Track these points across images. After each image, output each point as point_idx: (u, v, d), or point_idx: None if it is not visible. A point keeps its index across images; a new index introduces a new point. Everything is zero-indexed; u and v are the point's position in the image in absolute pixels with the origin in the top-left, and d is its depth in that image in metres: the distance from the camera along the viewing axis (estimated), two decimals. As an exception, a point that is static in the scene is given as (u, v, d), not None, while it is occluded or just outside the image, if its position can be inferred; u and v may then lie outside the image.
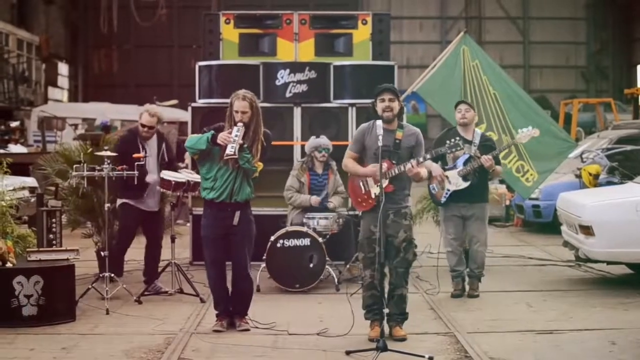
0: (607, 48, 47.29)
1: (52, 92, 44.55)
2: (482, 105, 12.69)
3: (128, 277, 12.06)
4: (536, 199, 16.92)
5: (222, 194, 9.01)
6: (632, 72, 46.12)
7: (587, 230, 11.16)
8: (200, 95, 13.53)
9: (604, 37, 47.21)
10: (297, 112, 13.25)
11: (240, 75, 13.18)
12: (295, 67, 13.39)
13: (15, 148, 26.05)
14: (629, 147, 17.57)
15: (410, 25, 46.89)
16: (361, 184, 8.87)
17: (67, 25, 47.07)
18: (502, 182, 16.45)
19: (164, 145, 11.26)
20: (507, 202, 19.00)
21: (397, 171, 8.60)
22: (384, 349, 7.95)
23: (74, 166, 10.74)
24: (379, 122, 8.67)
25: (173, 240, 11.00)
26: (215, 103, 12.98)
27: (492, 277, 11.91)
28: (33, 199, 12.58)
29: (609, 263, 11.78)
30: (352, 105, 13.16)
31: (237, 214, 9.07)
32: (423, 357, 7.96)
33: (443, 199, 11.03)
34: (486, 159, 10.73)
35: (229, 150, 8.77)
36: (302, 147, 12.64)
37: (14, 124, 34.33)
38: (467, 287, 11.03)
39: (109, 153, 10.55)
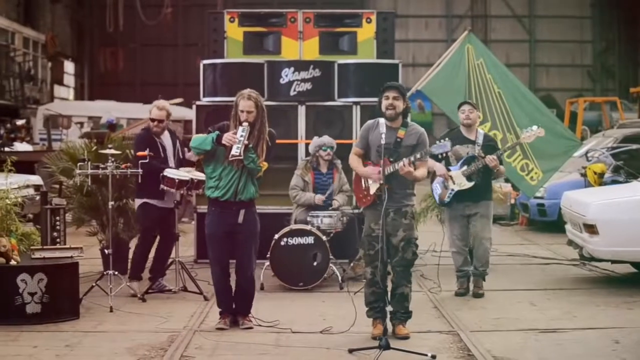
0: (613, 47, 47.23)
1: (58, 90, 44.60)
2: (487, 103, 12.68)
3: (132, 275, 12.09)
4: (541, 197, 16.91)
5: (226, 193, 9.01)
6: (638, 71, 46.06)
7: (591, 228, 11.15)
8: (204, 94, 13.54)
9: (610, 36, 47.14)
10: (302, 110, 13.25)
11: (245, 74, 13.20)
12: (300, 65, 13.39)
13: (21, 146, 26.06)
14: (634, 146, 17.59)
15: (416, 23, 46.91)
16: (363, 180, 8.89)
17: (73, 23, 47.12)
18: (507, 180, 16.45)
19: (177, 142, 11.31)
20: (512, 201, 18.99)
21: (391, 169, 8.58)
22: (387, 347, 7.94)
23: (78, 164, 10.75)
24: (382, 120, 8.66)
25: (177, 238, 11.02)
26: (220, 101, 13.00)
27: (496, 275, 11.90)
28: (38, 197, 12.58)
29: (613, 262, 11.77)
30: (356, 103, 13.15)
31: (242, 212, 9.07)
32: (426, 355, 7.96)
33: (447, 199, 11.02)
34: (491, 159, 10.70)
35: (234, 151, 8.76)
36: (307, 145, 12.64)
37: (20, 122, 34.35)
38: (471, 287, 11.01)
39: (113, 151, 10.56)
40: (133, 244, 12.45)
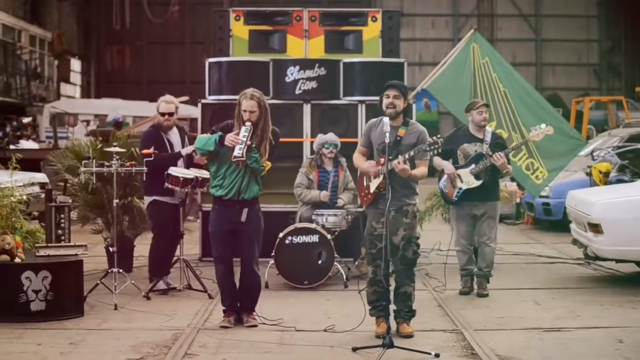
0: (619, 46, 47.15)
1: (65, 88, 44.66)
2: (492, 102, 12.66)
3: (137, 272, 12.10)
4: (546, 196, 16.89)
5: (229, 192, 9.02)
6: (645, 70, 46.05)
7: (596, 228, 11.14)
8: (210, 92, 13.55)
9: (616, 35, 47.06)
10: (307, 108, 13.26)
11: (250, 72, 13.21)
12: (305, 63, 13.40)
13: (27, 144, 26.16)
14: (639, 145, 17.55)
15: (423, 22, 46.85)
16: (364, 178, 8.90)
17: (80, 21, 47.18)
18: (512, 179, 16.44)
19: (186, 138, 11.32)
20: (518, 200, 18.98)
21: (388, 167, 8.56)
22: (390, 345, 7.94)
23: (83, 162, 10.76)
24: (386, 119, 8.65)
25: (182, 236, 11.03)
26: (225, 99, 13.00)
27: (501, 274, 11.90)
28: (43, 195, 12.60)
29: (617, 261, 11.76)
30: (361, 102, 13.16)
31: (245, 211, 9.07)
32: (429, 354, 7.97)
33: (455, 198, 11.00)
34: (497, 158, 10.68)
35: (237, 152, 8.77)
36: (312, 143, 12.64)
37: (26, 120, 34.43)
38: (475, 287, 11.00)
39: (118, 149, 10.58)
40: (138, 241, 12.51)
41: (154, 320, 9.41)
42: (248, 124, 8.85)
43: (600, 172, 15.79)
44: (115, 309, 9.88)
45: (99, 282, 10.46)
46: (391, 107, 8.69)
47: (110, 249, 10.81)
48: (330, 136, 12.11)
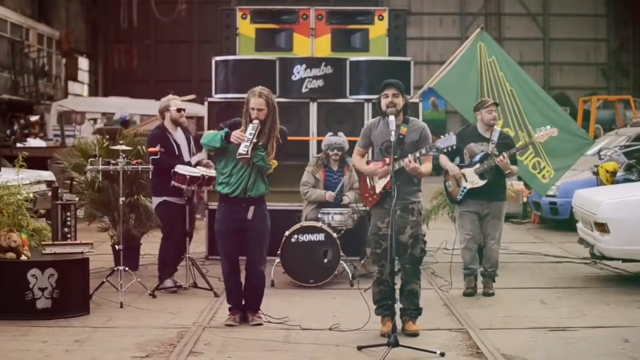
0: (627, 45, 47.03)
1: (72, 86, 44.68)
2: (499, 101, 12.64)
3: (143, 271, 12.13)
4: (553, 196, 16.87)
5: (236, 190, 9.02)
6: (653, 70, 45.95)
7: (602, 227, 11.13)
8: (216, 90, 13.56)
9: (624, 34, 46.95)
10: (313, 107, 13.26)
11: (257, 71, 13.22)
12: (312, 62, 13.40)
13: (34, 142, 26.19)
14: (646, 145, 17.54)
15: (430, 21, 46.83)
16: (368, 179, 8.88)
17: (88, 20, 47.23)
18: (519, 178, 16.42)
19: (191, 138, 11.34)
20: (524, 199, 18.96)
21: (396, 166, 8.56)
22: (395, 344, 7.93)
23: (89, 160, 10.77)
24: (392, 118, 8.62)
25: (191, 235, 11.04)
26: (232, 98, 13.02)
27: (507, 274, 11.90)
28: (50, 193, 12.62)
29: (624, 260, 11.74)
30: (368, 100, 13.15)
31: (251, 209, 9.07)
32: (434, 353, 7.96)
33: (459, 197, 10.99)
34: (500, 159, 10.65)
35: (242, 150, 8.77)
36: (318, 142, 12.65)
37: (33, 118, 34.46)
38: (480, 285, 10.97)
39: (124, 147, 10.58)
40: (144, 240, 12.52)
41: (160, 318, 9.42)
42: (255, 121, 8.85)
43: (607, 171, 15.77)
44: (121, 307, 9.89)
45: (105, 280, 10.47)
46: (391, 105, 8.67)
47: (117, 247, 10.82)
48: (337, 138, 12.07)
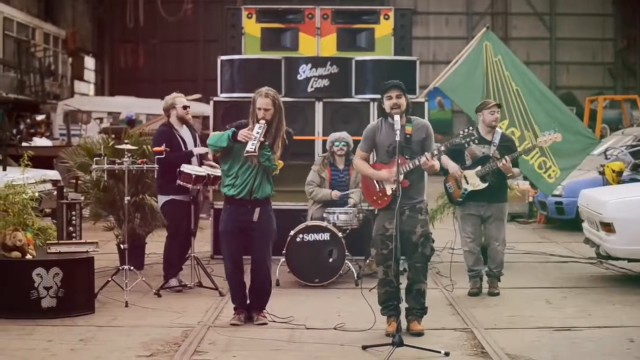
0: (634, 45, 46.92)
1: (79, 86, 44.72)
2: (505, 101, 12.64)
3: (148, 270, 12.14)
4: (559, 195, 16.85)
5: (242, 191, 9.03)
6: (660, 69, 45.85)
7: (608, 227, 11.11)
8: (222, 90, 13.56)
9: (631, 34, 46.83)
10: (319, 106, 13.25)
11: (262, 70, 13.22)
12: (317, 61, 13.38)
13: (40, 141, 26.21)
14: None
15: (437, 20, 46.81)
16: (375, 181, 8.85)
17: (94, 19, 47.25)
18: (525, 178, 16.40)
19: (197, 136, 11.35)
20: (530, 199, 18.93)
21: (411, 166, 8.56)
22: (400, 344, 7.92)
23: (95, 159, 10.78)
24: (397, 118, 8.60)
25: (194, 234, 11.04)
26: (237, 97, 13.03)
27: (512, 273, 11.87)
28: (55, 192, 12.63)
29: (630, 260, 11.71)
30: (373, 100, 13.11)
31: (257, 210, 9.08)
32: (439, 352, 7.95)
33: (460, 199, 10.96)
34: (503, 163, 10.60)
35: (249, 147, 8.78)
36: (324, 142, 12.64)
37: (39, 118, 34.49)
38: (485, 285, 10.95)
39: (129, 146, 10.58)
40: (149, 239, 12.53)
41: (165, 318, 9.42)
42: (262, 121, 8.86)
43: (614, 171, 15.74)
44: (126, 306, 9.90)
45: (110, 279, 10.47)
46: (396, 107, 8.66)
47: (122, 246, 10.82)
48: (341, 134, 12.10)
